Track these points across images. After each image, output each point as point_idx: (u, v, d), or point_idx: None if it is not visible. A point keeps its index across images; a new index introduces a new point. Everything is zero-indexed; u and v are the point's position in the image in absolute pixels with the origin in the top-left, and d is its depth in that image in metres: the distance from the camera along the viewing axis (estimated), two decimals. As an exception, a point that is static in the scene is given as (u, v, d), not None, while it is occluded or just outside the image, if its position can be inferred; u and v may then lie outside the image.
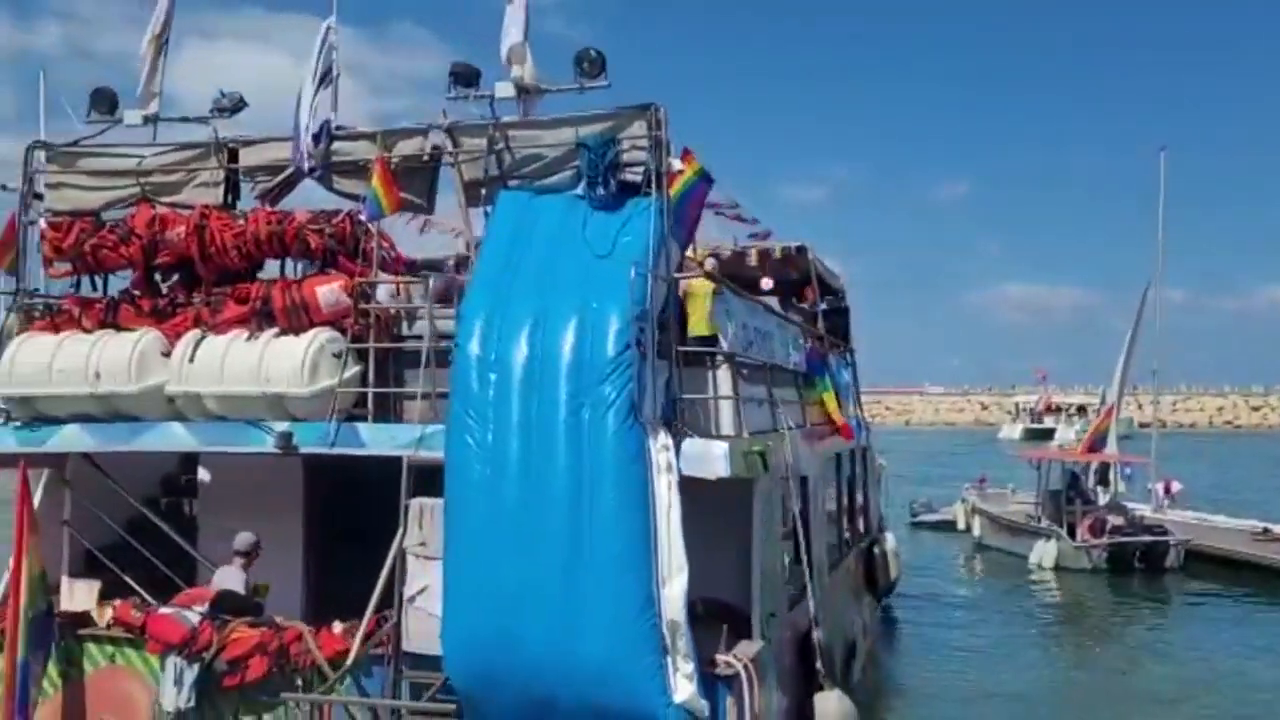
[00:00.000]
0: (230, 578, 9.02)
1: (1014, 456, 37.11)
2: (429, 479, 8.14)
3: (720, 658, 7.58)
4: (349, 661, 7.64)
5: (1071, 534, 25.60)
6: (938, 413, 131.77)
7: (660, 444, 7.39)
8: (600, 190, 8.47)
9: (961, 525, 32.35)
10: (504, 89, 9.17)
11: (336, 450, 8.51)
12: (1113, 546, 24.83)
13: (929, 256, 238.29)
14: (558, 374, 7.36)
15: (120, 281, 10.47)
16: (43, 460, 9.93)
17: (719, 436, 8.52)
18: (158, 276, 10.27)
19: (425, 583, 7.72)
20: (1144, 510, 27.81)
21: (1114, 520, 25.45)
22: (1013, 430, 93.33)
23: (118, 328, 9.63)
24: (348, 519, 10.17)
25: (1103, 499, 27.11)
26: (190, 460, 11.48)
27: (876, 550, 16.56)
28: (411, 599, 7.77)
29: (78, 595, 9.62)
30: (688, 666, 6.96)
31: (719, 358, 8.96)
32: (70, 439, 9.41)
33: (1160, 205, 33.07)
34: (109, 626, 8.99)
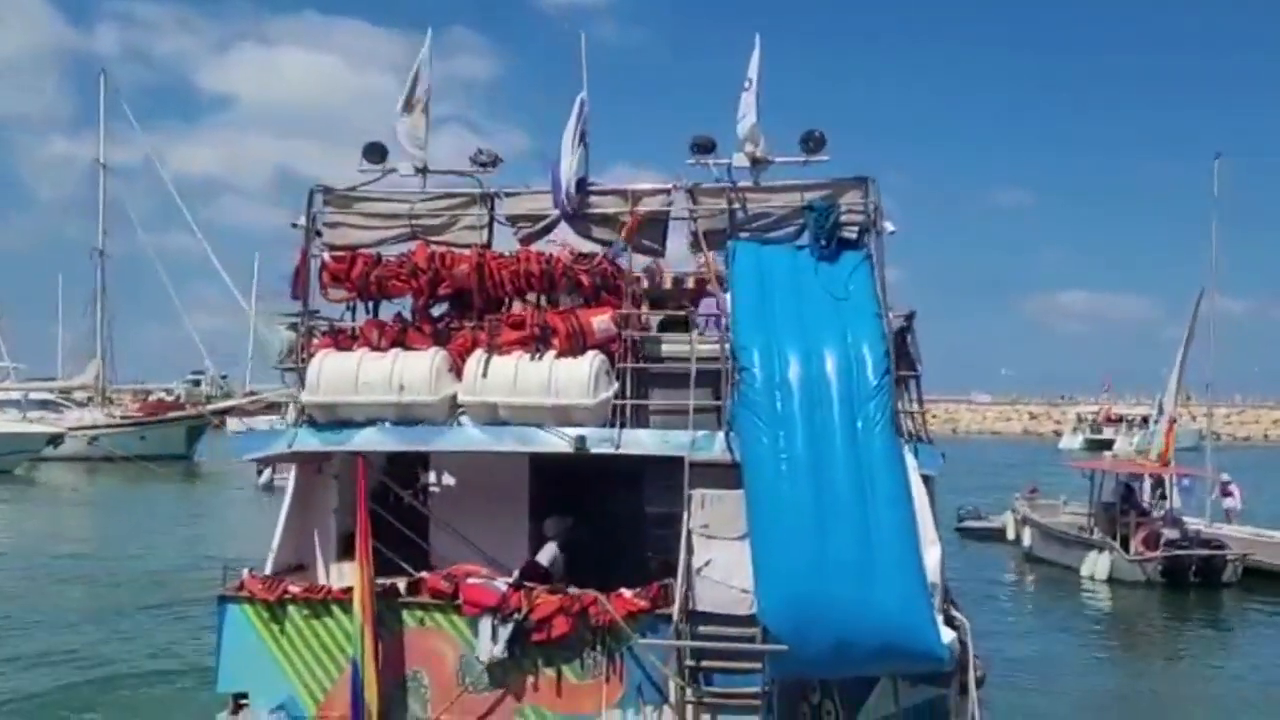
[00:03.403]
0: (546, 553, 11.00)
1: (1068, 467, 37.43)
2: (669, 474, 10.14)
3: (954, 613, 9.58)
4: (675, 614, 9.53)
5: (1125, 546, 26.26)
6: (984, 420, 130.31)
7: (906, 447, 9.44)
8: (824, 244, 10.57)
9: (1011, 535, 33.05)
10: (739, 159, 11.18)
11: (621, 451, 10.42)
12: (1168, 560, 25.40)
13: (982, 264, 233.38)
14: (831, 394, 9.44)
15: (389, 307, 12.40)
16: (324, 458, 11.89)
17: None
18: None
19: (709, 556, 9.68)
20: (1199, 524, 28.38)
21: (1169, 533, 26.15)
22: (1073, 440, 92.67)
23: (405, 347, 11.54)
24: (564, 512, 12.13)
25: (1157, 512, 27.88)
26: (395, 460, 13.32)
27: None
28: (699, 570, 9.71)
29: (346, 576, 11.33)
30: (940, 617, 8.95)
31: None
32: (370, 439, 11.13)
33: (1214, 213, 33.51)
34: (413, 595, 10.83)
